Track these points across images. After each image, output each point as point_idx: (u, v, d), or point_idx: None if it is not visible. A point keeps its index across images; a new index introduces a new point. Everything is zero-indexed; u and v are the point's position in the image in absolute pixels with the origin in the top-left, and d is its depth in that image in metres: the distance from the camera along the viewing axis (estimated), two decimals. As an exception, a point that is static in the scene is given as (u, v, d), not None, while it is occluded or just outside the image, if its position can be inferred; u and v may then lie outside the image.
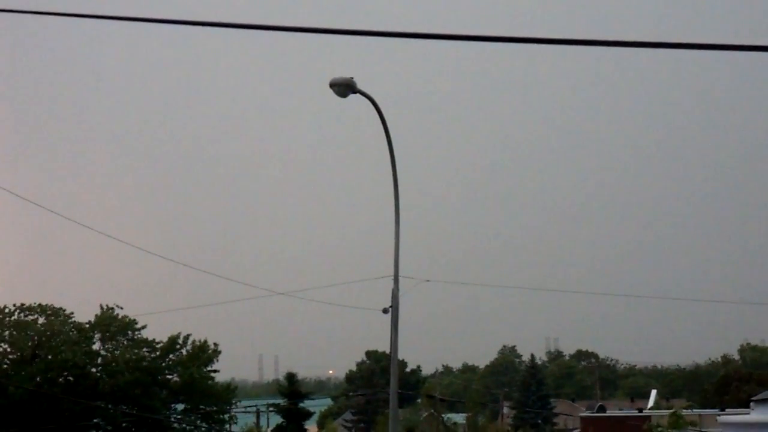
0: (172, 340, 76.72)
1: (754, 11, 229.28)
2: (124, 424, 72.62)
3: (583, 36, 13.40)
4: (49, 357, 71.17)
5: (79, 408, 68.58)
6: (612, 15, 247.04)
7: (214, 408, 77.00)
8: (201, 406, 76.54)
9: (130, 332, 75.83)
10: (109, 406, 70.22)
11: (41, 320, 74.20)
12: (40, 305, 74.88)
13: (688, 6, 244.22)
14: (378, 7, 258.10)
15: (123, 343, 75.18)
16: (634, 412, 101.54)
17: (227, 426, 78.21)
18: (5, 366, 72.11)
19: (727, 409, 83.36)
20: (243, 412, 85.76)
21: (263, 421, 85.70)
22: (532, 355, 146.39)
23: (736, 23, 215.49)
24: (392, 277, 35.84)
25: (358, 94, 32.54)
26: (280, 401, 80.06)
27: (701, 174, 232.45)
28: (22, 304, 74.60)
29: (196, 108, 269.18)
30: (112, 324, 75.28)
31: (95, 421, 73.07)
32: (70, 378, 71.89)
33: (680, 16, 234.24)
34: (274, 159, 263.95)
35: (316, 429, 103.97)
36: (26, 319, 74.16)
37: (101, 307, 76.70)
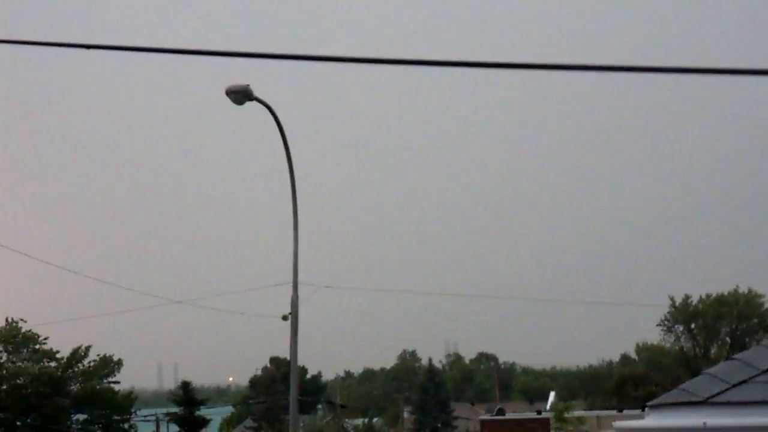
0: (75, 352, 77.73)
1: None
2: None
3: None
4: None
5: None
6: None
7: (115, 417, 78.13)
8: (101, 414, 77.41)
9: (32, 346, 75.72)
10: (12, 415, 69.99)
11: None
12: None
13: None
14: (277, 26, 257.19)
15: (26, 356, 74.95)
16: (534, 415, 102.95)
17: None
18: None
19: (624, 411, 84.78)
20: (143, 421, 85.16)
21: (163, 430, 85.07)
22: (430, 359, 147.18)
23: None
24: (291, 284, 35.92)
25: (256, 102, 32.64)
26: (177, 410, 79.47)
27: (593, 180, 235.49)
28: None
29: (94, 119, 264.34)
30: (16, 337, 75.22)
31: None
32: None
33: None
34: (173, 165, 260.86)
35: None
36: None
37: (6, 321, 76.54)
